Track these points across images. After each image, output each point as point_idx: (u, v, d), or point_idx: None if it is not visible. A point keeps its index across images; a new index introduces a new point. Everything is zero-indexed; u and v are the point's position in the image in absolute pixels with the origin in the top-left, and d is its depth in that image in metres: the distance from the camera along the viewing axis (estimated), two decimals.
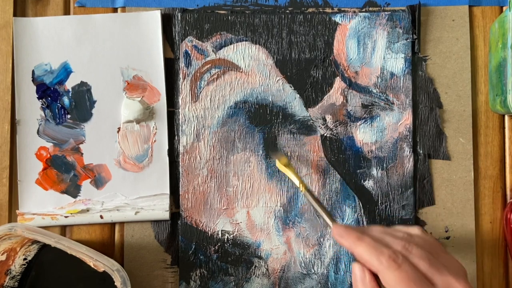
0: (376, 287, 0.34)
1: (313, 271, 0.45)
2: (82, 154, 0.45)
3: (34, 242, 0.42)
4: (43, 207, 0.45)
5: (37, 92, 0.45)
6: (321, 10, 0.47)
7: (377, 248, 0.34)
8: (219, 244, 0.45)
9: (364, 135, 0.46)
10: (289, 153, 0.45)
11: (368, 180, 0.46)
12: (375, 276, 0.34)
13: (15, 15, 0.46)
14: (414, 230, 0.38)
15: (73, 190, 0.45)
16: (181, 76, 0.46)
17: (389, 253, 0.33)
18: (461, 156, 0.46)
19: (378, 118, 0.46)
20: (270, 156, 0.45)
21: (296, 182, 0.42)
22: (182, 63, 0.46)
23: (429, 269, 0.33)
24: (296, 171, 0.44)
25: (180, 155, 0.45)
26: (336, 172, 0.46)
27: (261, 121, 0.46)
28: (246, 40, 0.46)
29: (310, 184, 0.45)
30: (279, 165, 0.43)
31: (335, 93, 0.46)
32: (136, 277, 0.45)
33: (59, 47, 0.45)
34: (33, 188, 0.45)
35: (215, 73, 0.46)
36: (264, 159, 0.46)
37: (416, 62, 0.46)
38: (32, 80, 0.45)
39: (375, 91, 0.46)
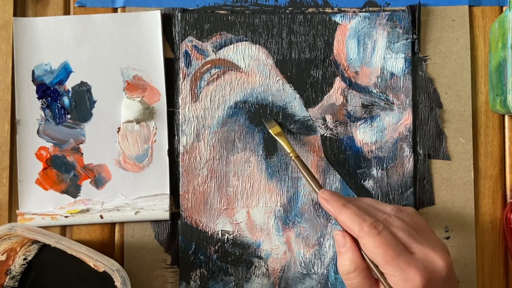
0: (356, 251, 0.35)
1: (313, 271, 0.45)
2: (82, 154, 0.45)
3: (34, 242, 0.42)
4: (43, 207, 0.45)
5: (37, 92, 0.45)
6: (321, 10, 0.47)
7: (360, 215, 0.35)
8: (219, 244, 0.45)
9: (364, 135, 0.46)
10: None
11: (368, 180, 0.46)
12: (356, 242, 0.35)
13: (15, 15, 0.46)
14: (408, 209, 0.39)
15: (73, 190, 0.45)
16: (181, 76, 0.46)
17: (371, 221, 0.35)
18: (461, 156, 0.46)
19: (378, 118, 0.46)
20: (264, 124, 0.45)
21: (288, 149, 0.42)
22: (182, 63, 0.46)
23: (407, 239, 0.35)
24: (288, 140, 0.44)
25: (180, 155, 0.45)
26: (336, 172, 0.46)
27: (261, 121, 0.46)
28: (246, 40, 0.46)
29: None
30: (272, 133, 0.44)
31: (335, 93, 0.46)
32: (136, 277, 0.45)
33: (59, 47, 0.45)
34: (33, 188, 0.45)
35: (215, 73, 0.46)
36: (264, 159, 0.46)
37: (416, 62, 0.46)
38: (32, 80, 0.45)
39: (375, 91, 0.46)
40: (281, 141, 0.43)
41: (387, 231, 0.34)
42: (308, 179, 0.40)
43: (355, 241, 0.35)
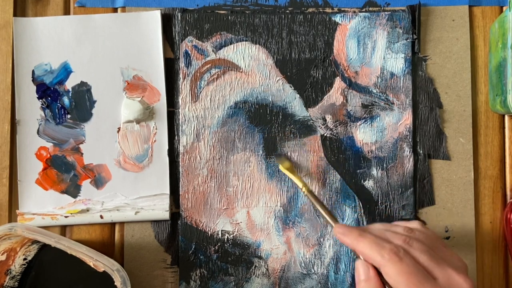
0: (379, 281, 0.34)
1: (313, 271, 0.45)
2: (82, 154, 0.45)
3: (34, 242, 0.42)
4: (43, 207, 0.45)
5: (37, 92, 0.45)
6: (321, 10, 0.47)
7: (378, 243, 0.34)
8: (219, 244, 0.45)
9: (364, 135, 0.46)
10: (289, 154, 0.45)
11: (368, 180, 0.46)
12: (378, 272, 0.34)
13: (15, 15, 0.46)
14: (414, 224, 0.38)
15: (73, 190, 0.45)
16: (181, 76, 0.46)
17: (390, 247, 0.34)
18: (461, 156, 0.46)
19: (378, 118, 0.46)
20: (274, 160, 0.45)
21: (299, 184, 0.42)
22: (182, 63, 0.46)
23: (430, 262, 0.34)
24: (298, 174, 0.44)
25: (180, 155, 0.45)
26: (336, 172, 0.46)
27: (261, 121, 0.46)
28: (246, 40, 0.46)
29: (310, 184, 0.45)
30: (282, 168, 0.44)
31: (335, 93, 0.46)
32: (136, 277, 0.45)
33: (59, 47, 0.45)
34: (33, 188, 0.45)
35: (215, 73, 0.46)
36: (264, 159, 0.46)
37: (416, 62, 0.46)
38: (32, 80, 0.45)
39: (375, 91, 0.46)
40: (292, 176, 0.43)
41: (409, 257, 0.33)
42: (324, 213, 0.40)
43: (377, 270, 0.35)
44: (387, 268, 0.33)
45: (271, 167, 0.45)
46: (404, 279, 0.32)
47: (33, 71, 0.45)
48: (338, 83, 0.46)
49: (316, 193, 0.45)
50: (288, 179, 0.45)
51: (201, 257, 0.45)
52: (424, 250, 0.34)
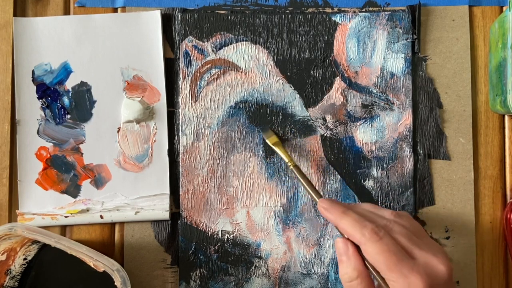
0: (358, 258, 0.35)
1: (313, 271, 0.45)
2: (82, 154, 0.45)
3: (34, 242, 0.42)
4: (43, 207, 0.45)
5: (37, 92, 0.45)
6: (321, 10, 0.47)
7: (360, 222, 0.35)
8: (219, 244, 0.45)
9: (364, 135, 0.46)
10: (289, 153, 0.45)
11: (368, 180, 0.46)
12: (358, 249, 0.35)
13: (15, 15, 0.46)
14: (403, 213, 0.39)
15: (73, 190, 0.45)
16: (181, 76, 0.46)
17: (372, 227, 0.34)
18: (461, 156, 0.46)
19: (378, 118, 0.46)
20: (261, 134, 0.45)
21: (286, 159, 0.43)
22: (182, 63, 0.46)
23: (409, 244, 0.34)
24: (285, 149, 0.44)
25: (180, 155, 0.45)
26: (336, 172, 0.46)
27: (261, 121, 0.46)
28: (246, 40, 0.46)
29: None
30: (268, 142, 0.44)
31: (335, 93, 0.46)
32: (136, 277, 0.45)
33: (59, 47, 0.45)
34: (33, 188, 0.45)
35: (215, 73, 0.46)
36: (264, 159, 0.46)
37: (416, 62, 0.46)
38: (32, 80, 0.45)
39: (375, 91, 0.46)
40: (278, 150, 0.43)
41: (388, 237, 0.34)
42: (308, 188, 0.40)
43: (357, 248, 0.35)
44: (367, 246, 0.34)
45: (271, 167, 0.45)
46: (383, 257, 0.33)
47: (33, 71, 0.45)
48: (338, 83, 0.46)
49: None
50: (288, 179, 0.45)
51: (201, 257, 0.45)
52: (404, 234, 0.35)
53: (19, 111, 0.45)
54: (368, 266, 0.35)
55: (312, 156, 0.46)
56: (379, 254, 0.33)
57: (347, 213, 0.36)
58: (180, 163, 0.45)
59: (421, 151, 0.46)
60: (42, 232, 0.38)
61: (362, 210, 0.38)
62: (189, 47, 0.46)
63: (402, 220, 0.37)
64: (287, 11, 0.46)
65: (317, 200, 0.39)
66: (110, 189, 0.45)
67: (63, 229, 0.45)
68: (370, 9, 0.47)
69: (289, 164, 0.42)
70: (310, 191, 0.40)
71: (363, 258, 0.35)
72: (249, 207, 0.45)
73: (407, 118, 0.46)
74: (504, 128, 0.46)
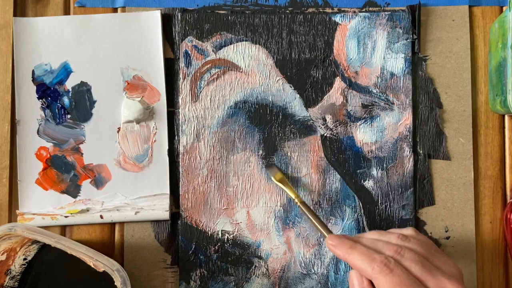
0: None
1: (313, 271, 0.45)
2: (82, 154, 0.45)
3: (34, 242, 0.42)
4: (43, 207, 0.45)
5: (37, 92, 0.45)
6: (321, 10, 0.47)
7: (369, 255, 0.34)
8: (219, 244, 0.45)
9: (364, 135, 0.46)
10: (289, 153, 0.44)
11: (368, 180, 0.46)
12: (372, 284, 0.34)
13: (15, 15, 0.46)
14: (408, 231, 0.38)
15: (73, 190, 0.45)
16: (181, 76, 0.46)
17: (380, 259, 0.33)
18: (461, 156, 0.46)
19: (378, 118, 0.46)
20: (266, 171, 0.45)
21: (292, 195, 0.42)
22: (182, 63, 0.46)
23: (422, 272, 0.33)
24: (291, 185, 0.44)
25: (180, 155, 0.45)
26: (336, 172, 0.46)
27: (261, 121, 0.46)
28: (246, 40, 0.46)
29: (310, 184, 0.45)
30: (274, 180, 0.44)
31: (335, 93, 0.46)
32: (136, 277, 0.45)
33: (59, 47, 0.45)
34: (33, 188, 0.45)
35: (215, 73, 0.46)
36: (264, 159, 0.46)
37: (416, 62, 0.46)
38: (32, 80, 0.45)
39: (375, 91, 0.46)
40: (285, 188, 0.43)
41: (399, 267, 0.33)
42: (316, 224, 0.40)
43: (371, 282, 0.34)
44: (378, 280, 0.33)
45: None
46: None
47: (33, 71, 0.45)
48: (338, 83, 0.46)
49: (315, 195, 0.45)
50: (288, 179, 0.45)
51: (201, 257, 0.45)
52: (416, 260, 0.34)
53: (19, 111, 0.45)
54: None
55: (312, 156, 0.46)
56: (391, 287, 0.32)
57: (355, 248, 0.35)
58: (180, 163, 0.45)
59: (421, 151, 0.46)
60: (42, 232, 0.38)
61: (369, 241, 0.37)
62: (189, 47, 0.46)
63: (410, 243, 0.36)
64: (287, 11, 0.46)
65: (326, 236, 0.38)
66: (110, 189, 0.45)
67: (63, 229, 0.45)
68: (370, 9, 0.47)
69: (296, 200, 0.42)
70: (319, 227, 0.40)
71: None
72: (249, 207, 0.45)
73: (407, 118, 0.46)
74: (504, 128, 0.46)
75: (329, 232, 0.39)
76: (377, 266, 0.33)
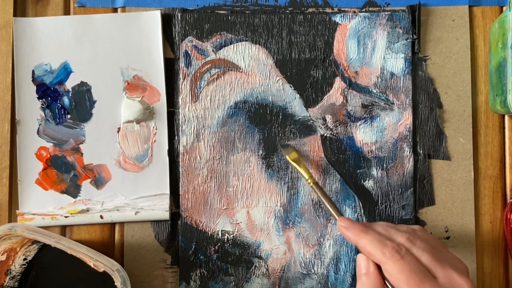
0: (379, 277, 0.34)
1: (313, 271, 0.45)
2: (82, 154, 0.45)
3: (34, 242, 0.42)
4: (43, 207, 0.45)
5: (37, 92, 0.45)
6: (321, 10, 0.47)
7: (381, 240, 0.34)
8: (219, 244, 0.45)
9: (364, 135, 0.46)
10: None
11: (368, 180, 0.46)
12: (378, 268, 0.35)
13: (15, 15, 0.46)
14: (416, 227, 0.38)
15: (73, 190, 0.45)
16: (181, 76, 0.46)
17: (392, 245, 0.34)
18: (461, 156, 0.46)
19: (378, 118, 0.46)
20: (281, 151, 0.45)
21: (306, 176, 0.42)
22: (182, 63, 0.46)
23: (432, 261, 0.34)
24: (305, 166, 0.44)
25: (180, 155, 0.45)
26: (336, 172, 0.46)
27: (261, 121, 0.46)
28: (246, 40, 0.46)
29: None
30: (289, 159, 0.44)
31: (335, 93, 0.46)
32: (136, 277, 0.45)
33: (59, 47, 0.45)
34: (33, 188, 0.45)
35: (215, 73, 0.46)
36: (264, 159, 0.46)
37: (416, 62, 0.46)
38: (32, 80, 0.45)
39: (375, 91, 0.46)
40: (299, 167, 0.43)
41: (410, 255, 0.33)
42: (328, 206, 0.40)
43: (377, 266, 0.35)
44: (388, 265, 0.33)
45: (271, 167, 0.45)
46: (405, 277, 0.32)
47: (33, 71, 0.45)
48: (338, 83, 0.46)
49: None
50: (288, 179, 0.45)
51: (201, 257, 0.45)
52: (426, 249, 0.34)
53: (19, 111, 0.45)
54: (389, 286, 0.34)
55: (312, 156, 0.46)
56: (401, 274, 0.32)
57: (367, 232, 0.35)
58: (180, 163, 0.45)
59: (421, 151, 0.46)
60: (42, 232, 0.38)
61: (380, 227, 0.37)
62: (189, 47, 0.46)
63: (420, 235, 0.36)
64: (287, 11, 0.46)
65: (337, 218, 0.38)
66: (110, 189, 0.45)
67: (63, 229, 0.45)
68: (370, 9, 0.47)
69: (309, 181, 0.42)
70: (331, 209, 0.40)
71: (383, 278, 0.34)
72: (249, 207, 0.45)
73: (407, 118, 0.46)
74: (504, 128, 0.46)
75: (340, 214, 0.39)
76: (388, 252, 0.33)
